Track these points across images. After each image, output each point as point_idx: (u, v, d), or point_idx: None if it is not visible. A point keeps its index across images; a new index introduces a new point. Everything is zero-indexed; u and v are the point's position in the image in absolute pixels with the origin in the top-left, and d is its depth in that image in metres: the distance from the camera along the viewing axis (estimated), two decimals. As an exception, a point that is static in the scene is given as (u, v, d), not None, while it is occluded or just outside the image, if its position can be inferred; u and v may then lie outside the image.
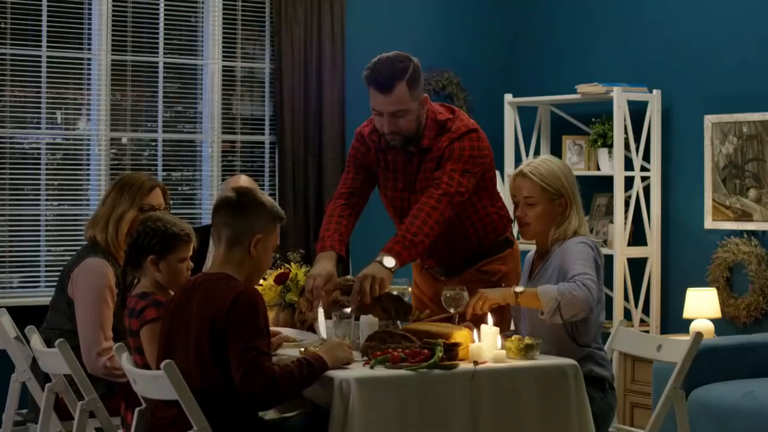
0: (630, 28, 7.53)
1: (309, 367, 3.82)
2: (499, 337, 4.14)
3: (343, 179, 4.97)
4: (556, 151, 7.71)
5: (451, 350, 3.99)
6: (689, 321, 6.70)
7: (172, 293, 4.39)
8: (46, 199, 6.83)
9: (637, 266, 7.20)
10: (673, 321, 7.13)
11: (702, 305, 6.68)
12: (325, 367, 3.86)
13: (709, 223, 6.99)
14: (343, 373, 3.84)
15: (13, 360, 4.97)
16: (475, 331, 4.20)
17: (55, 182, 6.86)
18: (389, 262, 4.43)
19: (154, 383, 3.82)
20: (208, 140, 7.29)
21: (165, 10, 7.15)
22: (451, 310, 4.45)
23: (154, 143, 7.15)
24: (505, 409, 4.00)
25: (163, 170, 7.16)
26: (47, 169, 6.84)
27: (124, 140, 7.03)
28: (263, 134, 7.48)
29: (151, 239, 4.28)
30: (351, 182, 4.93)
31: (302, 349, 4.19)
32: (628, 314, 7.15)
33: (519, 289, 4.36)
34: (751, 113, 6.75)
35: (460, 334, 4.12)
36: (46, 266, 6.79)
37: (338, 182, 7.20)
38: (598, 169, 7.39)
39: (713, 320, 6.65)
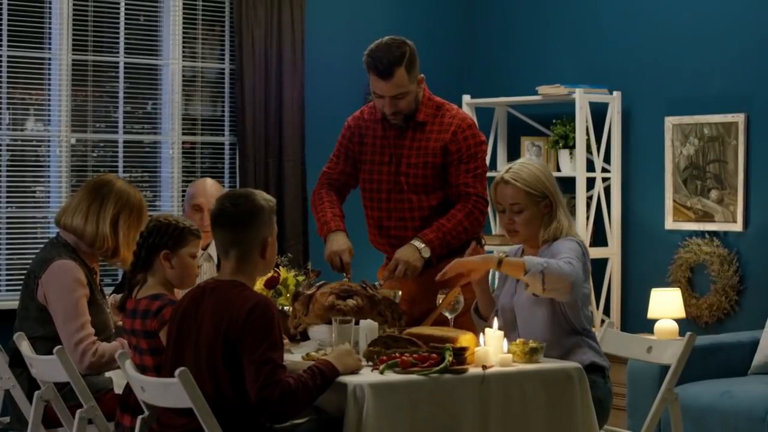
0: (589, 30, 7.57)
1: (322, 376, 3.79)
2: (504, 341, 4.15)
3: (333, 166, 5.20)
4: (514, 152, 7.73)
5: (460, 354, 3.99)
6: (652, 321, 6.76)
7: (176, 295, 4.33)
8: (6, 201, 6.69)
9: (598, 267, 7.23)
10: (635, 321, 7.18)
11: (666, 305, 6.73)
12: (336, 374, 3.83)
13: (669, 224, 7.06)
14: (356, 379, 3.82)
15: (-3, 366, 4.87)
16: (480, 335, 4.21)
17: (15, 184, 6.73)
18: (426, 252, 4.82)
19: (167, 391, 3.75)
20: (168, 141, 7.20)
21: (126, 9, 7.04)
22: (447, 314, 4.47)
23: (114, 144, 7.03)
24: (514, 412, 4.02)
25: (124, 171, 7.05)
26: (7, 171, 6.70)
27: (73, 141, 6.88)
28: (223, 135, 7.42)
29: (164, 235, 4.25)
30: (339, 172, 5.18)
31: (305, 354, 4.17)
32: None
33: (503, 255, 4.29)
34: (713, 115, 6.82)
35: (466, 339, 4.12)
36: (7, 270, 6.65)
37: (299, 183, 7.27)
38: (558, 170, 7.41)
39: (677, 320, 6.71)
